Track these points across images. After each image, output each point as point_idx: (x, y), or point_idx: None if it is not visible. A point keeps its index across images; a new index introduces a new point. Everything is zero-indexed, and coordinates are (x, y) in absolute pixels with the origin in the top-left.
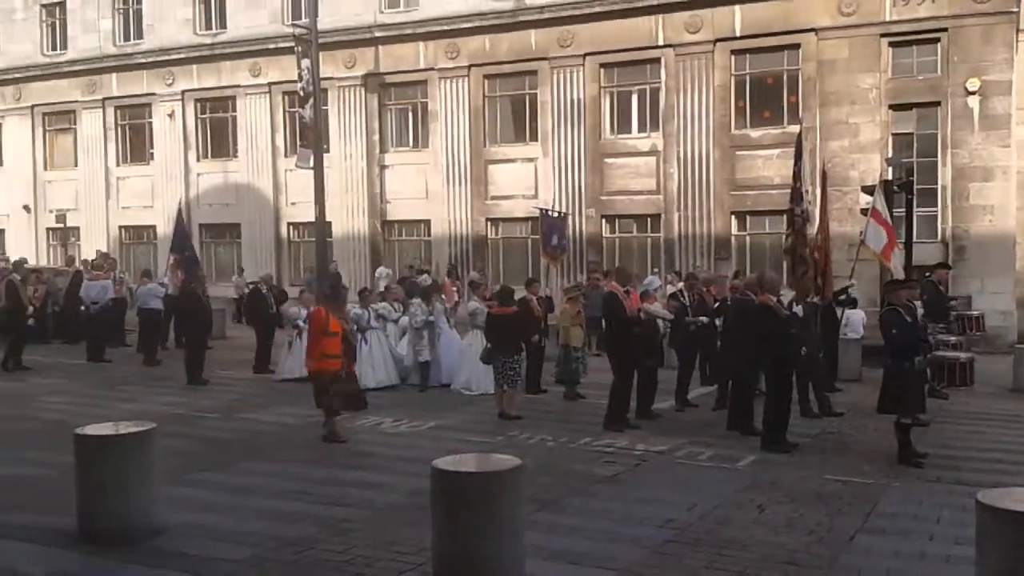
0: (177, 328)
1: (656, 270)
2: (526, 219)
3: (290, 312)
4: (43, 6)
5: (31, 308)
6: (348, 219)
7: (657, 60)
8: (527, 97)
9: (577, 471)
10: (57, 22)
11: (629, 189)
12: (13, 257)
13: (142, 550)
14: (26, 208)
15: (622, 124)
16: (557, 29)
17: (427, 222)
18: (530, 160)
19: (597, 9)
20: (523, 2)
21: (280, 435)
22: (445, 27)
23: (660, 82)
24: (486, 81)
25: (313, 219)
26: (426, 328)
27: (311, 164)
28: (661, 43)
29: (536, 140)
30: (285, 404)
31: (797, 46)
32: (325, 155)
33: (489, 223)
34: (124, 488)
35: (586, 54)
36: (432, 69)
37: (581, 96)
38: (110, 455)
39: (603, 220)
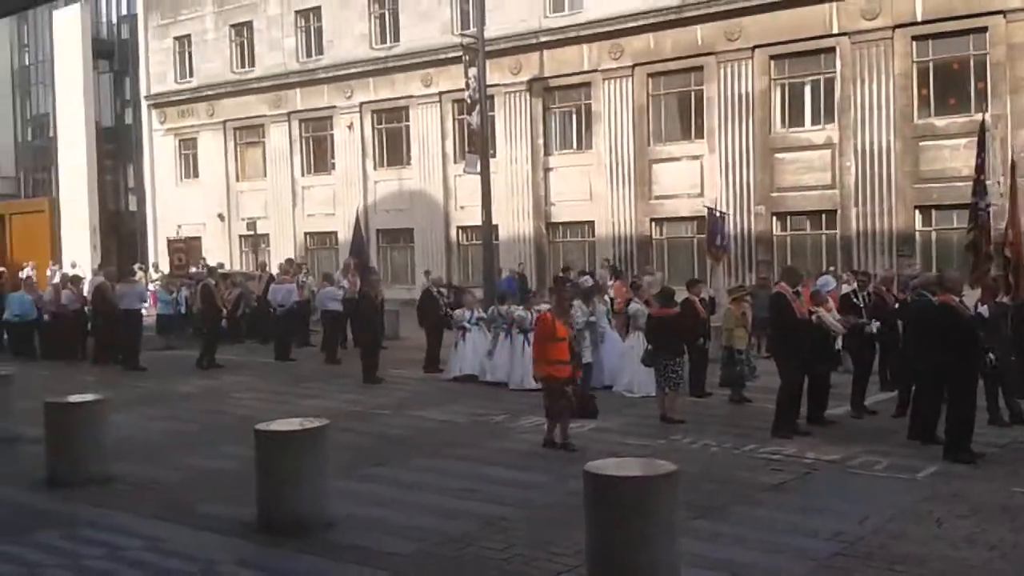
0: (354, 329)
1: (831, 269)
2: (691, 218)
3: (455, 314)
4: (232, 26)
5: (224, 311)
6: (514, 222)
7: (831, 49)
8: (692, 94)
9: (741, 478)
10: (245, 41)
11: (801, 184)
12: (211, 263)
13: (316, 542)
14: (220, 217)
15: (794, 117)
16: (724, 23)
17: (591, 223)
18: (695, 158)
19: (766, 0)
20: None
21: (447, 432)
22: (609, 28)
23: (835, 72)
24: (650, 80)
25: (480, 223)
26: (587, 329)
27: (478, 169)
28: (835, 31)
29: (702, 137)
30: (452, 402)
31: (984, 29)
32: (492, 160)
33: (653, 223)
34: (300, 482)
35: (755, 46)
36: (596, 71)
37: (749, 90)
38: (287, 450)
39: (773, 217)
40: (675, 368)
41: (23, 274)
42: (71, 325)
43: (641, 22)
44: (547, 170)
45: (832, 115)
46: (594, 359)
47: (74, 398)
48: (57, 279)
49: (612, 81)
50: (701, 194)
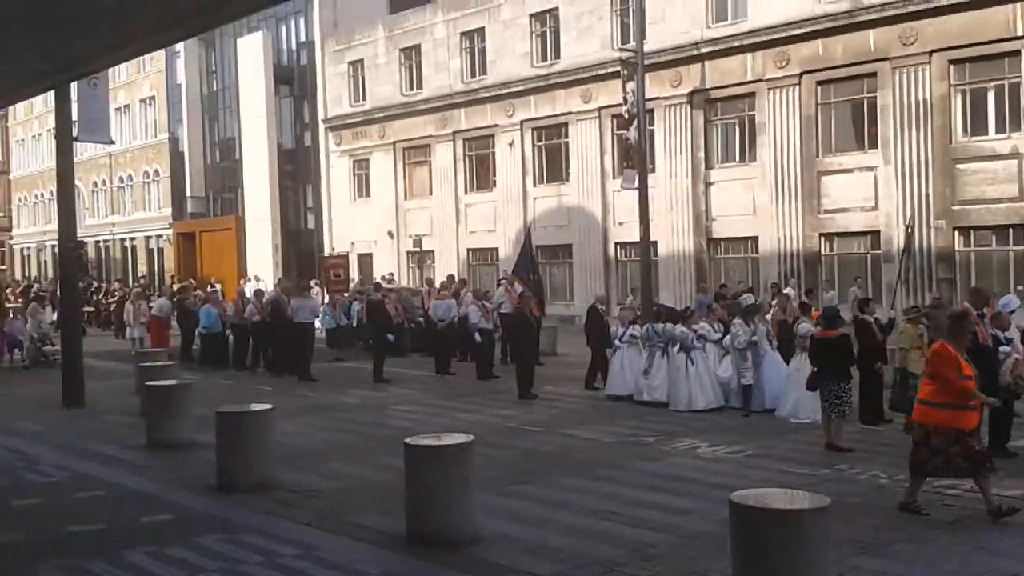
0: (504, 345)
1: (1021, 288)
2: (864, 233)
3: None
4: (401, 50)
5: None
6: (673, 238)
7: (1016, 53)
8: (864, 101)
9: (911, 513)
10: (413, 64)
11: (986, 197)
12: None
13: (460, 556)
14: (389, 234)
15: (976, 125)
16: (899, 27)
17: (754, 239)
18: (869, 169)
19: (944, 2)
20: (860, 1)
21: (596, 452)
22: (774, 35)
23: (1020, 76)
24: (819, 88)
25: (639, 238)
26: (749, 349)
27: (636, 184)
28: (1020, 34)
29: (875, 147)
30: (605, 421)
31: None
32: (650, 174)
33: (822, 238)
34: (446, 496)
35: (932, 51)
36: (760, 80)
37: (927, 96)
38: (434, 464)
39: (955, 232)
40: (840, 393)
41: (209, 289)
42: (250, 337)
43: (808, 28)
44: (708, 184)
45: (1018, 122)
46: (754, 381)
47: (242, 407)
48: (248, 293)
49: (778, 91)
50: (875, 207)
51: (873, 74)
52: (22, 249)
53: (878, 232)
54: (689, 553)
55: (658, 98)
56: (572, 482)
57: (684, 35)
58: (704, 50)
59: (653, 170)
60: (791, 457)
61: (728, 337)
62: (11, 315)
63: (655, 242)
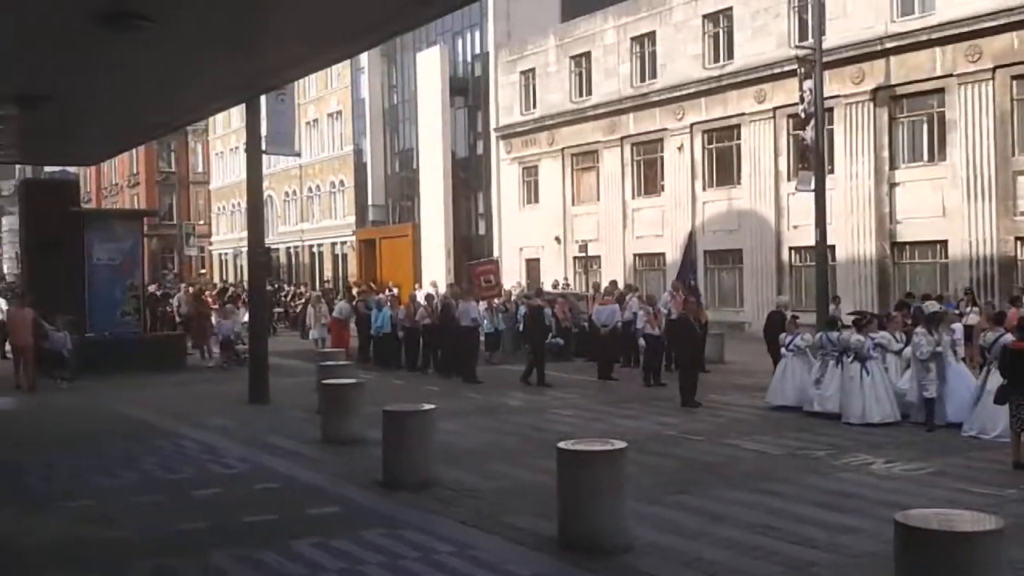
0: (670, 351)
1: None
2: None
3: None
4: (571, 58)
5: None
6: (853, 242)
7: None
8: None
9: None
10: (583, 71)
11: None
12: (547, 283)
13: (611, 564)
14: (557, 239)
15: None
16: None
17: (943, 243)
18: None
19: None
20: None
21: (759, 464)
22: (965, 28)
23: None
24: (1014, 83)
25: (814, 243)
26: (932, 361)
27: (812, 187)
28: None
29: None
30: (770, 432)
31: None
32: (829, 176)
33: (1019, 242)
34: (598, 502)
35: None
36: (950, 75)
37: None
38: (586, 470)
39: None
40: None
41: (387, 293)
42: (420, 339)
43: (1003, 20)
44: (892, 185)
45: None
46: (938, 394)
47: (407, 407)
48: (420, 297)
49: (969, 86)
50: None
51: None
52: (220, 255)
53: None
54: (853, 574)
55: (838, 96)
56: (733, 494)
57: (867, 30)
58: (888, 45)
59: (832, 171)
60: (974, 476)
61: (910, 347)
62: (224, 316)
63: (832, 246)
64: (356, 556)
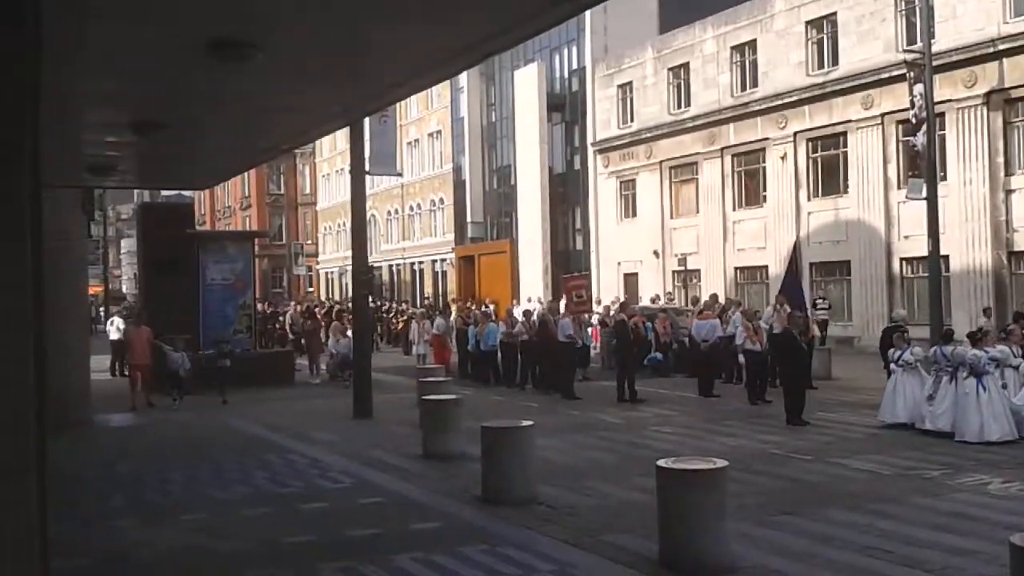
0: (774, 367)
1: None
2: None
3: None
4: (669, 70)
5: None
6: (967, 252)
7: None
8: None
9: None
10: (681, 83)
11: None
12: (645, 298)
13: None
14: (655, 253)
15: None
16: None
17: None
18: None
19: None
20: None
21: (870, 484)
22: None
23: None
24: None
25: (927, 253)
26: None
27: (923, 195)
28: None
29: None
30: (880, 451)
31: None
32: (941, 183)
33: None
34: (698, 522)
35: None
36: None
37: None
38: (686, 489)
39: None
40: None
41: (484, 309)
42: (519, 355)
43: None
44: (1008, 192)
45: None
46: None
47: (505, 423)
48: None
49: None
50: None
51: None
52: (327, 273)
53: None
54: None
55: (949, 100)
56: (841, 515)
57: (979, 32)
58: (1002, 47)
59: (944, 178)
60: None
61: None
62: (339, 333)
63: (946, 256)
64: (456, 572)
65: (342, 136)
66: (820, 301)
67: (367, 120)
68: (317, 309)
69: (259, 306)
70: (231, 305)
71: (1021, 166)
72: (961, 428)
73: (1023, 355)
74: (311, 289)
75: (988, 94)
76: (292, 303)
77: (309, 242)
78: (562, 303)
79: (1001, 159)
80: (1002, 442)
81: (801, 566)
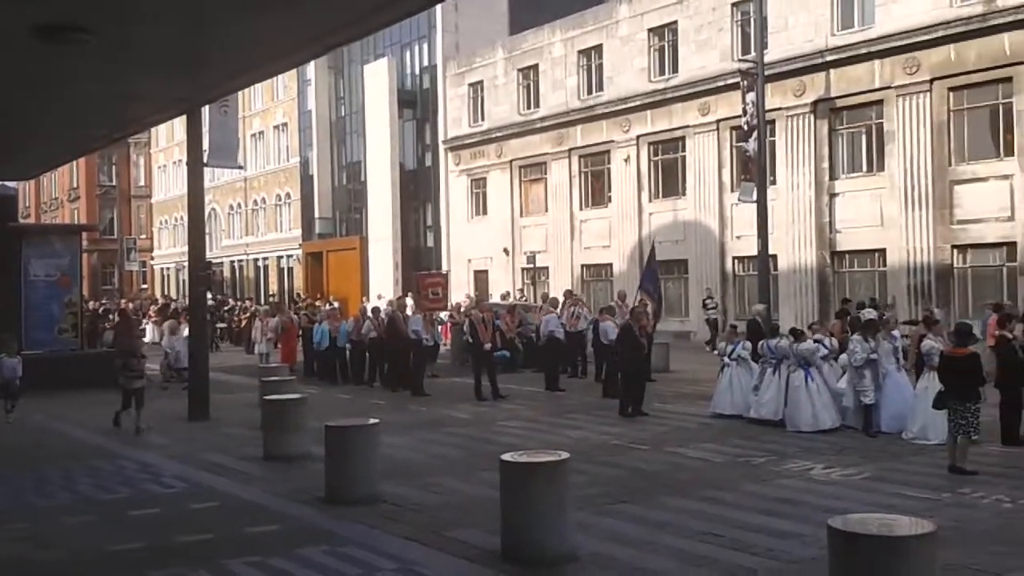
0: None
1: None
2: (999, 245)
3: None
4: (519, 70)
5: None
6: (794, 251)
7: None
8: (1000, 107)
9: None
10: (531, 84)
11: None
12: (495, 294)
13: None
14: (505, 251)
15: None
16: None
17: (882, 251)
18: (1005, 177)
19: None
20: (994, 4)
21: (702, 472)
22: (903, 41)
23: None
24: (951, 94)
25: (756, 252)
26: (867, 367)
27: (754, 197)
28: None
29: (1011, 155)
30: (714, 441)
31: None
32: (771, 187)
33: (955, 250)
34: (540, 514)
35: None
36: (888, 87)
37: None
38: (528, 482)
39: None
40: (966, 413)
41: (328, 307)
42: (367, 353)
43: (939, 33)
44: (832, 195)
45: None
46: (875, 400)
47: (350, 421)
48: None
49: (907, 98)
50: (1011, 217)
51: (1009, 79)
52: (163, 269)
53: (1014, 244)
54: None
55: (780, 108)
56: (675, 502)
57: (808, 43)
58: (829, 58)
59: (774, 182)
60: (911, 480)
61: (846, 354)
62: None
63: (775, 256)
64: (294, 574)
65: (179, 125)
66: (708, 301)
67: (207, 109)
68: (152, 307)
69: (90, 304)
70: (56, 303)
71: (845, 171)
72: (794, 419)
73: (840, 348)
74: (145, 286)
75: (815, 103)
76: (124, 301)
77: (144, 236)
78: (408, 299)
79: (826, 164)
80: (829, 430)
81: (637, 552)
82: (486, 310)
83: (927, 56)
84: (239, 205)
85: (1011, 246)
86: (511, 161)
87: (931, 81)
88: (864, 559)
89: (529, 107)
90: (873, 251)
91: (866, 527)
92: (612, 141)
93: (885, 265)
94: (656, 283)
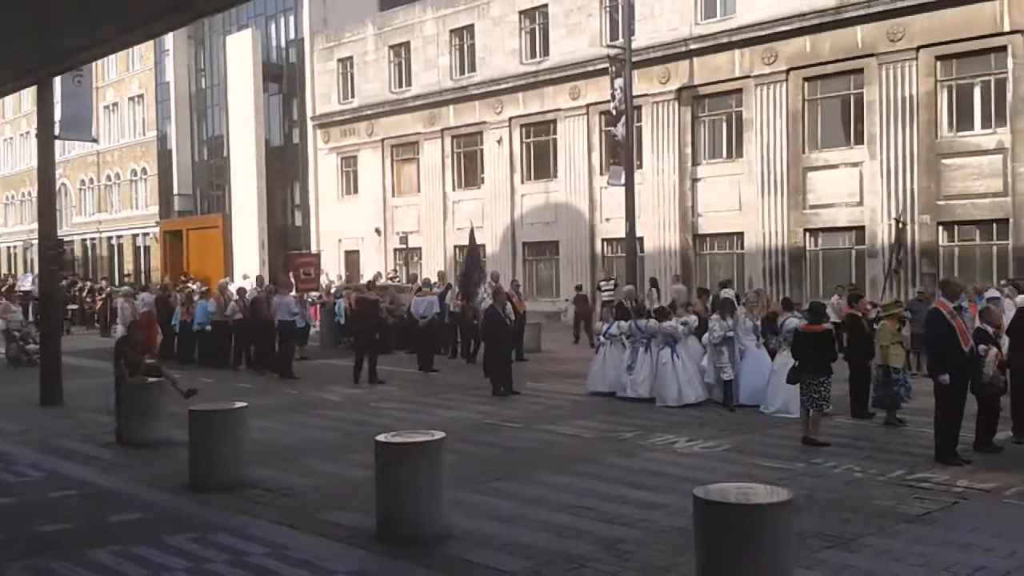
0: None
1: (1003, 282)
2: (849, 228)
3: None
4: (390, 47)
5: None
6: (659, 234)
7: (1003, 48)
8: (852, 98)
9: (881, 507)
10: (402, 62)
11: (971, 192)
12: (367, 276)
13: (429, 554)
14: (377, 231)
15: (962, 121)
16: (886, 23)
17: (740, 235)
18: (854, 165)
19: None
20: None
21: (573, 448)
22: (762, 32)
23: (1007, 72)
24: (806, 84)
25: (624, 234)
26: (725, 345)
27: (622, 181)
28: (1007, 29)
29: (861, 143)
30: (584, 418)
31: None
32: (637, 171)
33: (807, 234)
34: (416, 493)
35: (919, 47)
36: (748, 76)
37: (913, 92)
38: (404, 462)
39: (939, 227)
40: (819, 387)
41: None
42: (231, 335)
43: (796, 25)
44: (695, 180)
45: (1004, 118)
46: (733, 376)
47: (215, 406)
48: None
49: (765, 87)
50: (860, 203)
51: (860, 70)
52: (9, 248)
53: (863, 227)
54: (659, 548)
55: (646, 95)
56: (548, 478)
57: (673, 32)
58: (692, 47)
59: (640, 166)
60: (767, 452)
61: (707, 333)
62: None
63: (641, 238)
64: (159, 563)
65: (28, 96)
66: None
67: (58, 80)
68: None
69: None
70: None
71: (706, 157)
72: (662, 394)
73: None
74: None
75: (680, 90)
76: None
77: None
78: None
79: (689, 150)
80: (694, 404)
81: (510, 528)
82: (357, 291)
83: (784, 47)
84: (91, 180)
85: (860, 230)
86: (383, 140)
87: (787, 71)
88: (726, 526)
89: (401, 85)
90: (732, 234)
91: (726, 496)
92: (485, 122)
93: (743, 248)
94: (480, 269)
